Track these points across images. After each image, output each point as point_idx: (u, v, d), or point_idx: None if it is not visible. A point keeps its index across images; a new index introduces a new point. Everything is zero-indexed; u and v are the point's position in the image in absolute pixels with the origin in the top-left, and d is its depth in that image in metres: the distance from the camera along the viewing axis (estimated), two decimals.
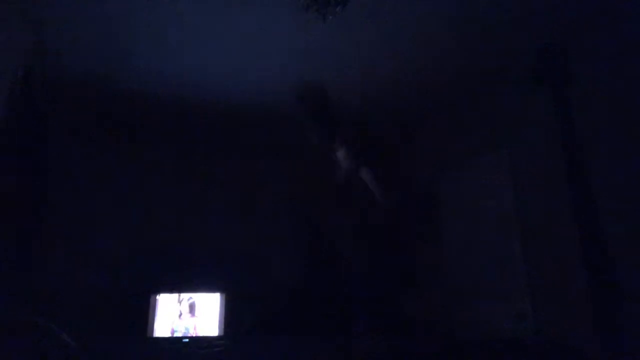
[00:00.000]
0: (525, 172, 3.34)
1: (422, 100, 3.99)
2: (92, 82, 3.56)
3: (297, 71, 3.49)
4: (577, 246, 2.84)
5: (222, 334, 3.94)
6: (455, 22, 2.99)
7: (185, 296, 4.01)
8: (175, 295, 4.00)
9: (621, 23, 2.81)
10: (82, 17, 2.84)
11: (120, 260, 4.05)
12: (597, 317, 2.63)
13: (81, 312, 3.52)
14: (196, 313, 3.99)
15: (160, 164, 4.58)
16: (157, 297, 3.96)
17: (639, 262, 2.52)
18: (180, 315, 3.96)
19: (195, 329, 3.95)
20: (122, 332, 3.71)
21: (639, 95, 2.67)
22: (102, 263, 3.96)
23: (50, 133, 3.64)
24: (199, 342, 3.50)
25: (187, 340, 3.81)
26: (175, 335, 3.90)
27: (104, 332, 3.50)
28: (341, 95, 3.84)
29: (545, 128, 3.19)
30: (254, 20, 2.91)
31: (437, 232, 4.10)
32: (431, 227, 3.96)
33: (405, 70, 3.51)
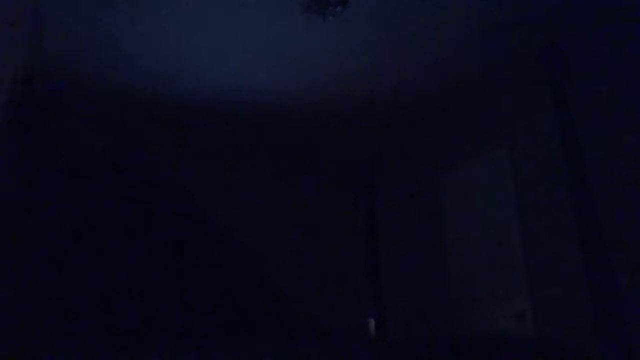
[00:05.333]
0: (525, 172, 3.34)
1: (422, 100, 3.99)
2: (91, 82, 3.56)
3: (296, 72, 3.49)
4: (577, 246, 2.85)
5: None
6: (455, 23, 2.99)
7: None
8: None
9: (621, 23, 2.81)
10: (82, 17, 2.84)
11: None
12: (597, 317, 2.63)
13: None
14: None
15: (157, 164, 4.58)
16: None
17: (639, 262, 2.52)
18: None
19: None
20: None
21: (639, 95, 2.67)
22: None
23: (50, 133, 3.64)
24: None
25: None
26: None
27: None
28: (341, 95, 3.85)
29: (545, 128, 3.19)
30: (254, 20, 2.91)
31: (437, 232, 4.10)
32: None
33: (404, 70, 3.51)
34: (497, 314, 3.39)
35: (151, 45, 3.15)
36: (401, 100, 3.97)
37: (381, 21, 2.95)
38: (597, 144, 2.85)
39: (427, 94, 3.87)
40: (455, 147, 4.03)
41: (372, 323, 4.70)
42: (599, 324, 2.60)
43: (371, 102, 3.97)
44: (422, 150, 4.45)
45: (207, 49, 3.20)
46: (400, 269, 4.56)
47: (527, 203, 3.28)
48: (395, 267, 4.63)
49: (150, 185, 4.48)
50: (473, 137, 3.85)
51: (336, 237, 4.93)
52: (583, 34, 3.02)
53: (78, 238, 3.86)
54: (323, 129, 4.49)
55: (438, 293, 4.00)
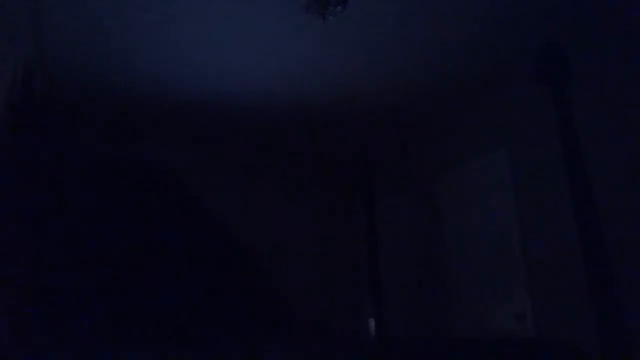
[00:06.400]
0: (525, 172, 3.34)
1: (422, 100, 3.99)
2: (92, 82, 3.56)
3: (296, 72, 3.49)
4: (577, 246, 2.84)
5: None
6: (455, 23, 2.99)
7: None
8: None
9: (621, 22, 2.81)
10: (82, 16, 2.84)
11: None
12: (597, 317, 2.63)
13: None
14: None
15: (157, 163, 4.58)
16: None
17: (639, 262, 2.52)
18: None
19: None
20: None
21: (639, 95, 2.67)
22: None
23: (50, 133, 3.63)
24: None
25: None
26: None
27: None
28: (341, 95, 3.85)
29: (545, 128, 3.19)
30: (254, 20, 2.91)
31: (437, 232, 4.10)
32: None
33: (404, 70, 3.51)
34: (497, 314, 3.39)
35: (151, 45, 3.15)
36: (401, 100, 3.97)
37: (381, 21, 2.95)
38: (597, 143, 2.85)
39: (427, 93, 3.87)
40: (455, 147, 4.02)
41: (372, 323, 4.70)
42: (599, 324, 2.59)
43: (371, 102, 3.98)
44: (421, 150, 4.45)
45: (207, 49, 3.20)
46: (400, 268, 4.56)
47: (527, 203, 3.28)
48: (395, 267, 4.63)
49: (150, 184, 4.48)
50: (473, 137, 3.85)
51: (336, 236, 4.93)
52: (583, 33, 3.02)
53: (78, 238, 3.86)
54: (323, 129, 4.49)
55: (438, 293, 4.00)
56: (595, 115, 2.88)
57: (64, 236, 3.81)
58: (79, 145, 4.16)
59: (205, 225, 4.50)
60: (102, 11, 2.80)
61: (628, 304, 2.54)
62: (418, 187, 4.43)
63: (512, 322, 3.27)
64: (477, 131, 3.81)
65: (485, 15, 2.92)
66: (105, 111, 4.05)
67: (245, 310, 4.25)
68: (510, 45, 3.22)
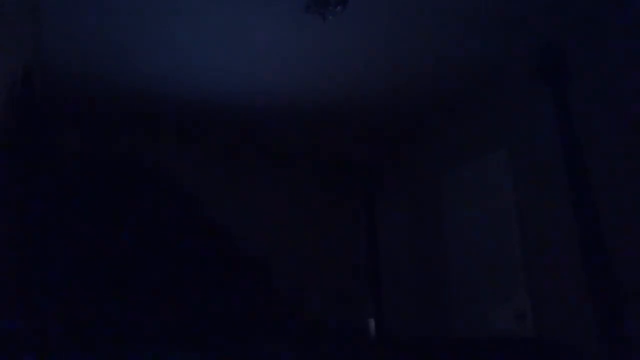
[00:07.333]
0: (525, 171, 3.34)
1: (423, 100, 3.99)
2: (92, 82, 3.56)
3: (296, 72, 3.49)
4: (577, 246, 2.85)
5: None
6: (455, 23, 2.99)
7: None
8: None
9: (621, 21, 2.81)
10: (82, 16, 2.84)
11: None
12: (597, 317, 2.63)
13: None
14: None
15: (157, 163, 4.58)
16: None
17: (638, 262, 2.52)
18: None
19: None
20: None
21: (638, 94, 2.67)
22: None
23: (50, 133, 3.64)
24: None
25: None
26: None
27: None
28: (341, 95, 3.85)
29: (545, 127, 3.19)
30: (254, 20, 2.91)
31: (437, 232, 4.10)
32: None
33: (404, 70, 3.51)
34: (497, 314, 3.39)
35: (151, 45, 3.15)
36: (401, 100, 3.97)
37: (381, 21, 2.95)
38: (596, 143, 2.85)
39: (427, 93, 3.87)
40: (455, 147, 4.02)
41: (372, 323, 4.70)
42: (599, 324, 2.60)
43: (371, 102, 3.98)
44: (422, 150, 4.45)
45: (207, 49, 3.20)
46: (400, 268, 4.56)
47: (527, 203, 3.28)
48: (395, 267, 4.63)
49: (149, 184, 4.48)
50: (473, 137, 3.85)
51: (336, 237, 4.93)
52: (582, 32, 3.02)
53: (79, 237, 3.86)
54: (322, 129, 4.50)
55: (438, 293, 4.00)
56: (595, 115, 2.88)
57: (64, 235, 3.81)
58: (79, 145, 4.16)
59: (205, 225, 4.49)
60: (102, 11, 2.80)
61: (627, 304, 2.54)
62: (418, 187, 4.43)
63: (512, 322, 3.27)
64: (477, 131, 3.81)
65: (485, 15, 2.92)
66: (105, 111, 4.04)
67: (246, 311, 4.25)
68: (510, 45, 3.22)
